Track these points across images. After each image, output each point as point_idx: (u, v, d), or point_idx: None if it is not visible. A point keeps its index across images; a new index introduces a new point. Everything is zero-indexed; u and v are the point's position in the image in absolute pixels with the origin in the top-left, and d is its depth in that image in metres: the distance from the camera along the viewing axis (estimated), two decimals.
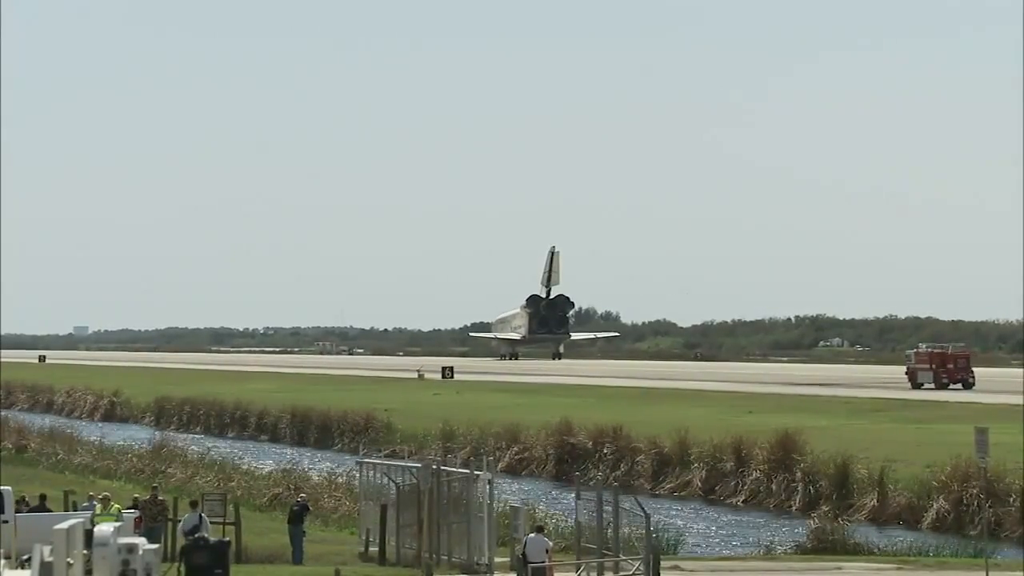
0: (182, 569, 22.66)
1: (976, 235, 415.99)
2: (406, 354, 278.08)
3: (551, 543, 37.19)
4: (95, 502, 39.18)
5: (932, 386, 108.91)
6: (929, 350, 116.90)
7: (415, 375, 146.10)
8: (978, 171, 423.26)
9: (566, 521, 49.93)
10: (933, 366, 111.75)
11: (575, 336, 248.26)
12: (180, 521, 43.30)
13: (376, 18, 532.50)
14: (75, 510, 40.93)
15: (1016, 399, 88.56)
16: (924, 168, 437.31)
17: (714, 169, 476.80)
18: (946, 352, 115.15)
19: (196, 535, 38.21)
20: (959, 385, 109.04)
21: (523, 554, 35.61)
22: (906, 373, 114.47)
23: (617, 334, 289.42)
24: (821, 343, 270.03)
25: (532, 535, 36.07)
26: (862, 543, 48.16)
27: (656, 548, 37.35)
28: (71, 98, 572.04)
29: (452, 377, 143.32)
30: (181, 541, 40.91)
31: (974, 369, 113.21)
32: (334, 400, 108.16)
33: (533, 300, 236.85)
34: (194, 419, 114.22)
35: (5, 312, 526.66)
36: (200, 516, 41.19)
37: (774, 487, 64.19)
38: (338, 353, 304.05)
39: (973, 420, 59.55)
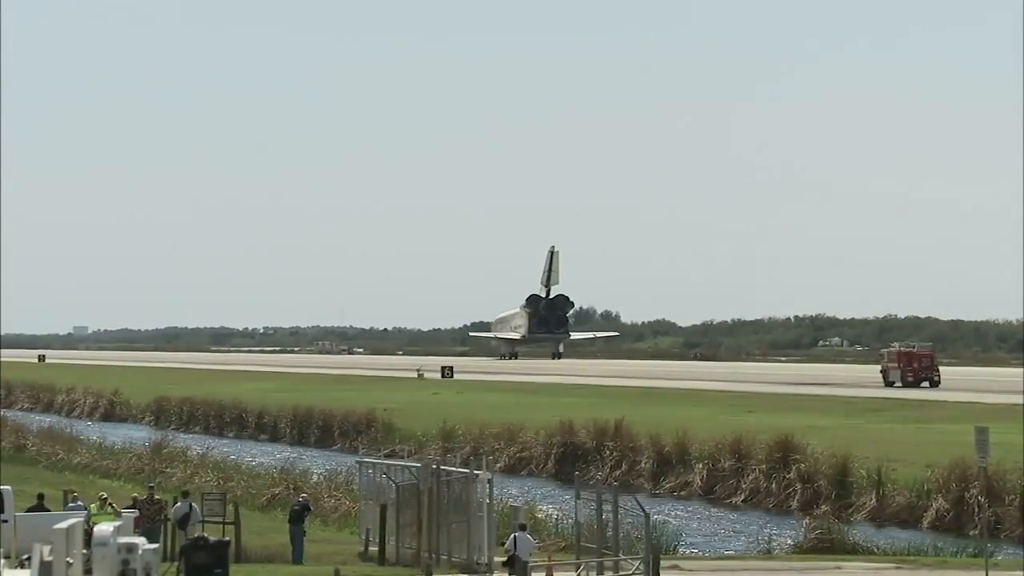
0: (182, 568, 22.65)
1: (976, 235, 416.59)
2: (406, 354, 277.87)
3: (535, 541, 37.43)
4: (79, 501, 39.21)
5: (900, 384, 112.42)
6: (899, 349, 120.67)
7: (415, 375, 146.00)
8: (978, 171, 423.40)
9: (564, 519, 49.85)
10: (900, 365, 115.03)
11: (575, 336, 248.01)
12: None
13: (376, 18, 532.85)
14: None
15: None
16: (924, 168, 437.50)
17: (714, 169, 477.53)
18: (912, 351, 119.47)
19: (188, 524, 38.43)
20: (927, 383, 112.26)
21: (513, 554, 35.63)
22: (881, 372, 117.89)
23: (617, 334, 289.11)
24: (821, 343, 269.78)
25: (519, 533, 36.10)
26: (861, 543, 48.16)
27: (656, 548, 37.36)
28: (71, 98, 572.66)
29: (452, 377, 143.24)
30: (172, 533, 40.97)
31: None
32: (334, 400, 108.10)
33: (533, 300, 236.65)
34: (193, 419, 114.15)
35: (5, 312, 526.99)
36: (190, 504, 41.28)
37: (773, 487, 64.16)
38: (338, 352, 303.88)
39: (973, 420, 59.52)
